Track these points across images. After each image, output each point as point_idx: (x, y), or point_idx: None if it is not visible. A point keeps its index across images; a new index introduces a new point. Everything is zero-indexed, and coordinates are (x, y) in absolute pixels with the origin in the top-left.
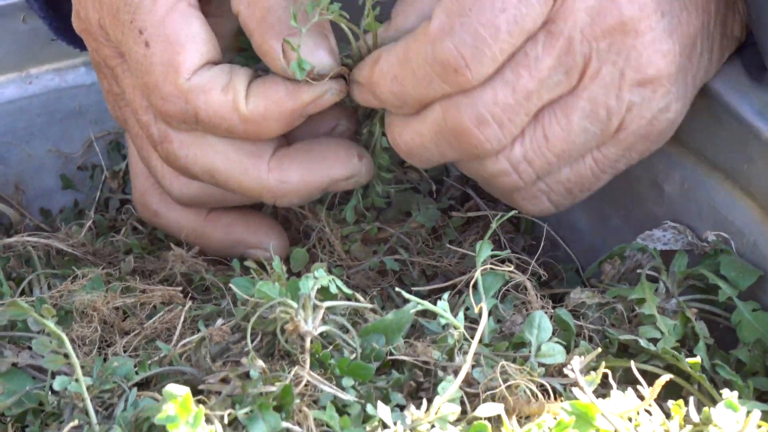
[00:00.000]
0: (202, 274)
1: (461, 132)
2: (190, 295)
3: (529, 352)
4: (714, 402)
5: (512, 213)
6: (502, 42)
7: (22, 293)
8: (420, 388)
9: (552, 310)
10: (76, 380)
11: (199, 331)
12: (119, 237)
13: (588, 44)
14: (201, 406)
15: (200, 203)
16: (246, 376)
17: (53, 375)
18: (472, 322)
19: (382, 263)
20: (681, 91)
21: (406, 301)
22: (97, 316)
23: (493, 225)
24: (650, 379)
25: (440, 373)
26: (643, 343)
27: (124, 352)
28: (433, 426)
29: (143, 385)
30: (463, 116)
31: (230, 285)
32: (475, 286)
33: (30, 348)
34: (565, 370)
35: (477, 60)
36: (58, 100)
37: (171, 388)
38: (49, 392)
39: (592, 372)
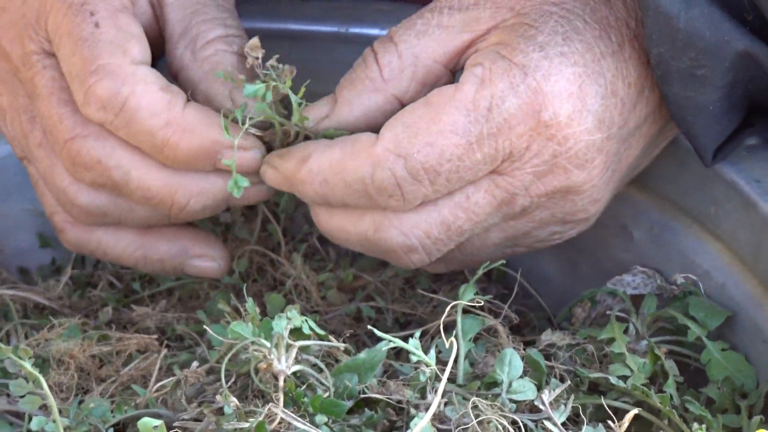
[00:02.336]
0: (174, 326)
1: (388, 251)
2: (165, 343)
3: (501, 389)
4: None
5: (491, 266)
6: (440, 186)
7: None
8: (393, 427)
9: (522, 351)
10: (54, 421)
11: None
12: (96, 291)
13: (530, 198)
14: None
15: (103, 218)
16: (220, 412)
17: (30, 420)
18: (444, 364)
19: (358, 310)
20: (601, 211)
21: (379, 342)
22: (73, 364)
23: (479, 272)
24: (621, 415)
25: (413, 411)
26: (613, 380)
27: (101, 397)
28: None
29: (119, 430)
30: (393, 241)
31: (207, 330)
32: (447, 329)
33: (7, 395)
34: (536, 402)
35: (413, 195)
36: None
37: (145, 421)
38: None
39: (563, 405)
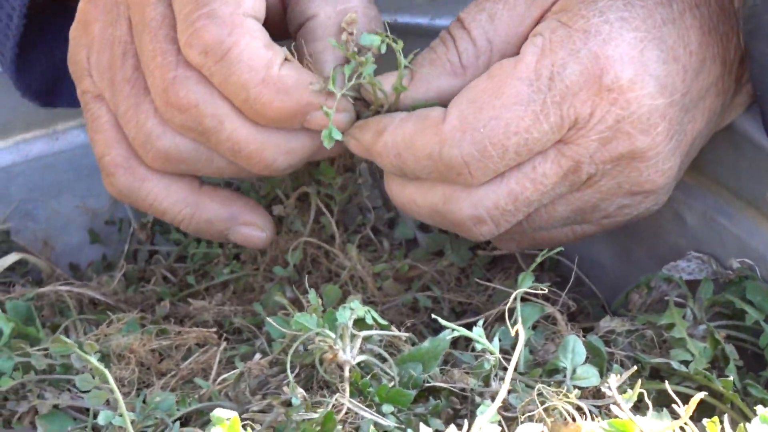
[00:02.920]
0: (231, 319)
1: (458, 223)
2: (224, 336)
3: (563, 377)
4: (747, 421)
5: (541, 257)
6: (508, 160)
7: None
8: (457, 415)
9: (582, 338)
10: (120, 415)
11: (235, 369)
12: (150, 286)
13: (595, 166)
14: (249, 430)
15: (178, 164)
16: (287, 404)
17: (95, 415)
18: (505, 353)
19: (414, 300)
20: (671, 187)
21: (440, 332)
22: (134, 358)
23: (538, 259)
24: (683, 401)
25: (477, 399)
26: (675, 365)
27: (162, 391)
28: None
29: (183, 423)
30: (462, 213)
31: (265, 322)
32: (503, 318)
33: (69, 390)
34: (603, 388)
35: (481, 171)
36: (84, 155)
37: (219, 412)
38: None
39: (629, 390)
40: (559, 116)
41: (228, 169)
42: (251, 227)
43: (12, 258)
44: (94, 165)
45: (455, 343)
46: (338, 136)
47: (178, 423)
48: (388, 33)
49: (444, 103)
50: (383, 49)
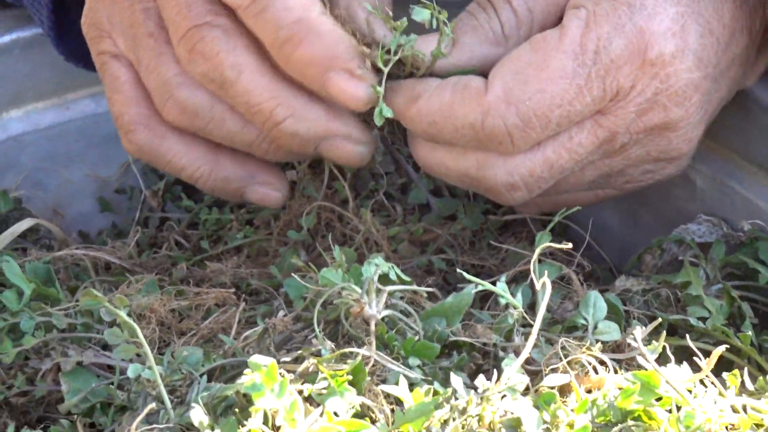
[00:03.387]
0: (248, 280)
1: (490, 189)
2: (242, 298)
3: (584, 333)
4: (765, 375)
5: (557, 218)
6: (550, 131)
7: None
8: (480, 370)
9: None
10: (149, 367)
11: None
12: (163, 251)
13: (629, 136)
14: (285, 375)
15: (192, 120)
16: (317, 355)
17: (121, 371)
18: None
19: (429, 263)
20: (694, 151)
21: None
22: (154, 318)
23: (552, 222)
24: (702, 356)
25: (500, 354)
26: (693, 321)
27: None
28: (504, 396)
29: (208, 379)
30: (497, 179)
31: (282, 284)
32: (517, 282)
33: (92, 348)
34: (628, 340)
35: (523, 141)
36: (94, 124)
37: (256, 358)
38: (117, 388)
39: (654, 342)
40: (602, 89)
41: (239, 135)
42: (267, 186)
43: (27, 223)
44: (104, 134)
45: (472, 304)
46: (389, 114)
47: (205, 376)
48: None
49: (482, 71)
50: (434, 24)
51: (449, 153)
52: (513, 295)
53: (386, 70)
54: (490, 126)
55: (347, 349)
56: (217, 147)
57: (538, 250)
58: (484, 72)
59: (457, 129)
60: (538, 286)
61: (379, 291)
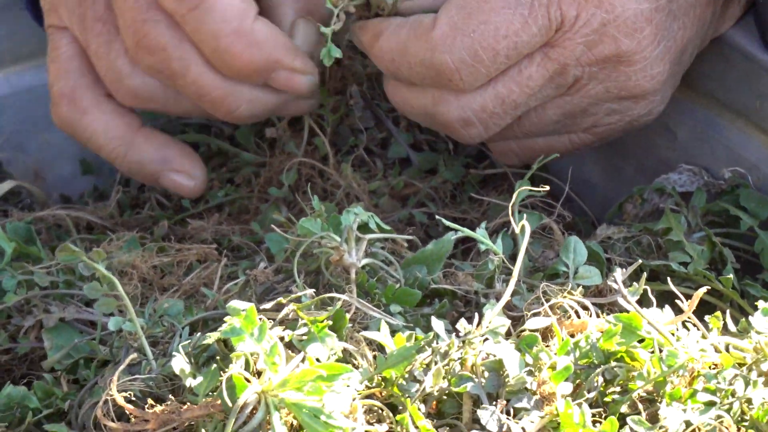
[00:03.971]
0: (230, 237)
1: (446, 124)
2: (224, 254)
3: (565, 280)
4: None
5: (535, 166)
6: (498, 64)
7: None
8: (461, 317)
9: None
10: (130, 320)
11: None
12: (145, 211)
13: (581, 69)
14: (265, 320)
15: (148, 103)
16: (297, 303)
17: (103, 327)
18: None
19: (410, 216)
20: (665, 95)
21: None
22: (136, 274)
23: (532, 168)
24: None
25: (482, 300)
26: (674, 266)
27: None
28: (486, 339)
29: (190, 333)
30: (450, 115)
31: (263, 239)
32: (497, 233)
33: (74, 305)
34: (609, 282)
35: (471, 76)
36: None
37: (235, 303)
38: (99, 343)
39: (635, 284)
40: (546, 18)
41: (196, 110)
42: (181, 174)
43: (7, 185)
44: None
45: (452, 255)
46: (337, 54)
47: (188, 328)
48: None
49: None
50: None
51: (411, 91)
52: (494, 243)
53: (337, 9)
54: (438, 62)
55: (327, 295)
56: (138, 129)
57: (516, 195)
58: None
59: (411, 66)
60: (518, 230)
61: (358, 239)
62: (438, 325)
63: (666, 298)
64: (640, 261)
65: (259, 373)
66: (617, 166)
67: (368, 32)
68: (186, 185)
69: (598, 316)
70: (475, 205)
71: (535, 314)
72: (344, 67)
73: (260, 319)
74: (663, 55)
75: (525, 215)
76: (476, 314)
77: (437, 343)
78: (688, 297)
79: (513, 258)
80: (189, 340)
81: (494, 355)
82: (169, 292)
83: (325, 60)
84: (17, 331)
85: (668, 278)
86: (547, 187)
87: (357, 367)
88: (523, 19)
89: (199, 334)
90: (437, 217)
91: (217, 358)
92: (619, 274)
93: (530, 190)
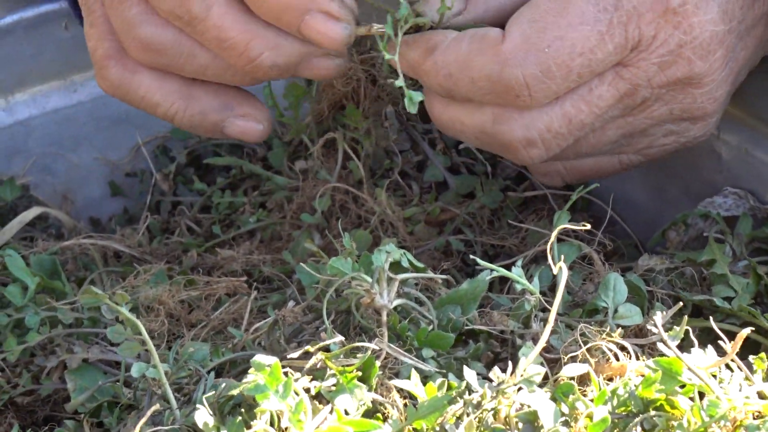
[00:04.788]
0: (260, 267)
1: (507, 145)
2: (254, 286)
3: (605, 317)
4: None
5: (576, 195)
6: (570, 82)
7: None
8: (497, 359)
9: (622, 276)
10: (154, 366)
11: (267, 318)
12: (174, 237)
13: (651, 90)
14: (290, 375)
15: (158, 57)
16: (326, 350)
17: (127, 367)
18: (542, 295)
19: (447, 244)
20: (719, 116)
21: (474, 276)
22: (163, 310)
23: (573, 197)
24: (727, 338)
25: (518, 341)
26: (718, 302)
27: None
28: (520, 389)
29: (217, 374)
30: (513, 134)
31: (295, 271)
32: (537, 261)
33: (98, 344)
34: (648, 326)
35: (541, 93)
36: (103, 106)
37: (259, 358)
38: (123, 386)
39: (675, 327)
40: (623, 37)
41: (211, 66)
42: (247, 118)
43: (34, 212)
44: (113, 116)
45: (491, 286)
46: (419, 98)
47: (213, 373)
48: None
49: (499, 24)
50: None
51: (464, 108)
52: (531, 277)
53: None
54: (508, 77)
55: (357, 344)
56: (191, 80)
57: (555, 232)
58: (501, 25)
59: (473, 81)
60: (554, 269)
61: (390, 280)
62: (470, 374)
63: (709, 335)
64: (681, 304)
65: (285, 429)
66: (662, 187)
67: (419, 47)
68: (254, 129)
69: (638, 357)
70: (514, 231)
71: (572, 357)
72: (379, 86)
73: (285, 373)
74: (727, 76)
75: (564, 249)
76: (512, 355)
77: (469, 394)
78: (733, 334)
79: (552, 289)
80: (214, 390)
81: (529, 406)
82: (197, 329)
83: (409, 107)
84: (40, 371)
85: (711, 316)
86: (588, 226)
87: (387, 417)
88: (600, 36)
89: (223, 384)
90: (472, 257)
91: (243, 410)
92: (659, 317)
93: (569, 222)
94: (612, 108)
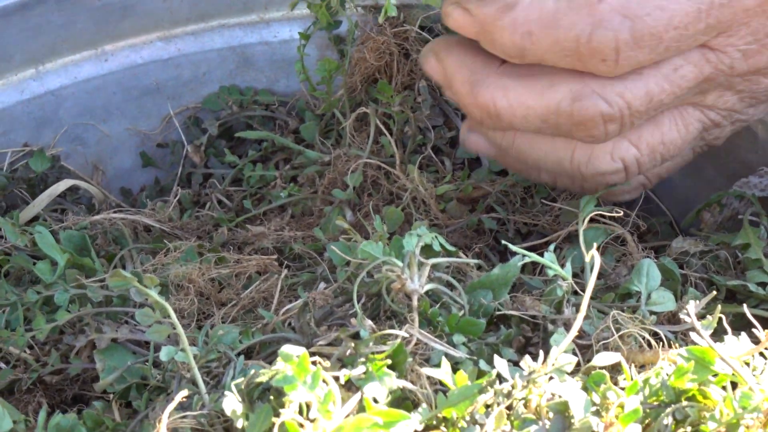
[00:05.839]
0: (291, 245)
1: (585, 121)
2: (284, 264)
3: (637, 302)
4: None
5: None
6: (658, 54)
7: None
8: (529, 344)
9: (655, 260)
10: (182, 350)
11: (297, 298)
12: (205, 211)
13: (730, 78)
14: (318, 365)
15: None
16: (356, 336)
17: (156, 348)
18: (575, 276)
19: (479, 222)
20: None
21: (506, 258)
22: (193, 288)
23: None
24: (761, 324)
25: (549, 327)
26: (752, 287)
27: (223, 323)
28: (551, 378)
29: (247, 355)
30: (595, 109)
31: (327, 249)
32: (570, 240)
33: (128, 323)
34: (681, 315)
35: (628, 61)
36: (134, 76)
37: (287, 348)
38: (152, 366)
39: (708, 316)
40: (717, 20)
41: None
42: None
43: (64, 185)
44: (144, 86)
45: (523, 267)
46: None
47: (242, 357)
48: None
49: None
50: None
51: (532, 89)
52: (564, 259)
53: None
54: (600, 38)
55: (386, 331)
56: None
57: (582, 220)
58: None
59: (557, 41)
60: (587, 258)
61: (421, 264)
62: (501, 363)
63: (743, 320)
64: (714, 293)
65: (313, 419)
66: (697, 165)
67: (494, 3)
68: None
69: (670, 345)
70: (547, 209)
71: (605, 344)
72: (412, 60)
73: (314, 362)
74: None
75: (594, 231)
76: (544, 340)
77: (500, 383)
78: (767, 321)
79: (584, 270)
80: (243, 375)
81: (560, 396)
82: (227, 307)
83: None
84: (69, 350)
85: (745, 300)
86: (619, 212)
87: (417, 404)
88: (698, 13)
89: (252, 365)
90: (503, 242)
91: (272, 396)
92: (692, 306)
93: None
94: (690, 90)
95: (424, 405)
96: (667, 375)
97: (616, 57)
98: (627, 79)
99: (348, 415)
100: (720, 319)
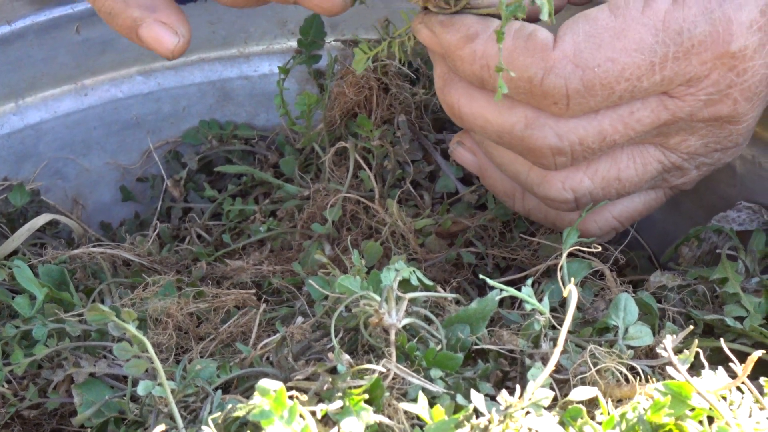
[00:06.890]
0: (270, 279)
1: (534, 149)
2: (263, 298)
3: (615, 336)
4: None
5: (587, 209)
6: (612, 102)
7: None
8: (506, 378)
9: (633, 295)
10: (160, 384)
11: (275, 332)
12: (184, 246)
13: (691, 124)
14: (295, 400)
15: None
16: (333, 371)
17: (134, 382)
18: (553, 310)
19: (458, 257)
20: (748, 140)
21: (484, 292)
22: (171, 323)
23: (583, 213)
24: (738, 358)
25: (527, 361)
26: (729, 321)
27: (201, 357)
28: (528, 412)
29: (224, 389)
30: (545, 140)
31: (305, 283)
32: (549, 274)
33: (105, 357)
34: (658, 350)
35: (579, 107)
36: (114, 111)
37: (264, 383)
38: (130, 401)
39: (685, 351)
40: (674, 72)
41: None
42: (166, 27)
43: (43, 219)
44: (124, 120)
45: (501, 300)
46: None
47: (219, 391)
48: None
49: (531, 15)
50: None
51: (493, 105)
52: (542, 293)
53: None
54: (550, 84)
55: (364, 366)
56: None
57: (565, 253)
58: (530, 17)
59: (512, 79)
60: (564, 292)
61: (399, 298)
62: (477, 397)
63: (721, 354)
64: (692, 327)
65: None
66: (676, 199)
67: (457, 31)
68: (168, 40)
69: (647, 379)
70: (525, 244)
71: (582, 378)
72: (391, 95)
73: (291, 396)
74: (758, 115)
75: (575, 265)
76: (521, 374)
77: (477, 418)
78: (745, 355)
79: (563, 305)
80: (220, 409)
81: (537, 431)
82: (205, 342)
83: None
84: (47, 384)
85: (722, 334)
86: (594, 242)
87: None
88: (650, 66)
89: (229, 399)
90: (481, 276)
91: (248, 430)
92: (669, 341)
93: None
94: (647, 132)
95: None
96: (644, 409)
97: (567, 102)
98: (582, 117)
99: None
100: (697, 353)
